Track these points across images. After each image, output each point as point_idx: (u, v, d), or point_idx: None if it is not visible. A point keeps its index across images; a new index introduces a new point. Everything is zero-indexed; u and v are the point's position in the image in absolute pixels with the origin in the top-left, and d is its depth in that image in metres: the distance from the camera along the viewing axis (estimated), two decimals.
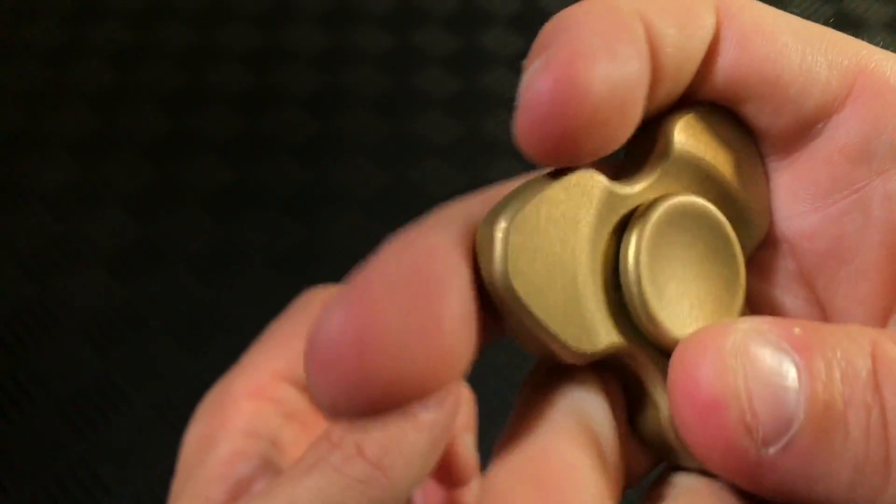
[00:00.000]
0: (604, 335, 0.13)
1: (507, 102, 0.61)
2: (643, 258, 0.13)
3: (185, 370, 0.48)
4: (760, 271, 0.16)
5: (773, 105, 0.14)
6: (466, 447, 0.27)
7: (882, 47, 0.14)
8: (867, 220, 0.14)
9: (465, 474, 0.27)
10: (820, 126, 0.14)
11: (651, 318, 0.13)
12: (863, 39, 0.14)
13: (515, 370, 0.47)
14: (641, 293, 0.13)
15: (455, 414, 0.21)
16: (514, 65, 0.63)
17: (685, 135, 0.15)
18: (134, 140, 0.58)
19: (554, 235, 0.13)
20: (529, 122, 0.12)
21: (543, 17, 0.63)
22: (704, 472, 0.14)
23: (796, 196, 0.15)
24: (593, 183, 0.13)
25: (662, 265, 0.14)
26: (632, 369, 0.14)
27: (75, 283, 0.51)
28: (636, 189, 0.14)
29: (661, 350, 0.14)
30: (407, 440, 0.20)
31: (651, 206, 0.14)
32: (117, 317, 0.50)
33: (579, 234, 0.13)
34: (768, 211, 0.15)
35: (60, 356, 0.48)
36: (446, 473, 0.27)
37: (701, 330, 0.13)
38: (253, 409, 0.23)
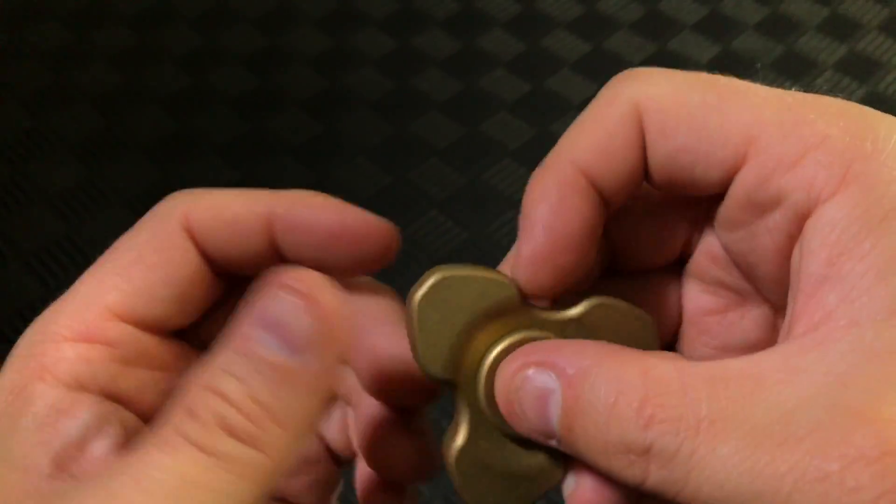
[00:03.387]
0: (444, 371, 0.20)
1: (505, 104, 0.61)
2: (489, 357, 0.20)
3: None
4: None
5: (699, 172, 0.20)
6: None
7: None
8: (759, 243, 0.20)
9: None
10: (728, 185, 0.20)
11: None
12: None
13: None
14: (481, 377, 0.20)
15: (339, 356, 0.18)
16: (513, 67, 0.64)
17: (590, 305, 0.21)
18: (138, 141, 0.59)
19: (454, 302, 0.19)
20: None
21: (541, 19, 0.64)
22: None
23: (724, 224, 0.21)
24: (505, 285, 0.20)
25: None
26: (456, 402, 0.20)
27: None
28: (543, 316, 0.20)
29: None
30: (283, 404, 0.16)
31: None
32: None
33: (472, 313, 0.20)
34: None
35: None
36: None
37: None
38: (78, 355, 0.19)
